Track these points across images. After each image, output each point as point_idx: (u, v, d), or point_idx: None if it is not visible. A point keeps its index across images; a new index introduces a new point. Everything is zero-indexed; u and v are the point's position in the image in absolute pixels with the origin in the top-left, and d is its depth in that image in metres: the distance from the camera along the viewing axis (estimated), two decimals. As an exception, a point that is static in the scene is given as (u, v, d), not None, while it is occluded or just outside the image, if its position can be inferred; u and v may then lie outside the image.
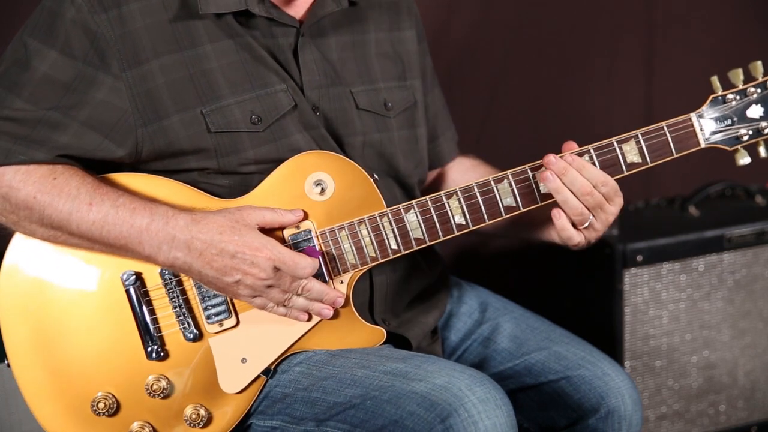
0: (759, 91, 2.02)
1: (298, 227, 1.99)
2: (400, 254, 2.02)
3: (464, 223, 2.02)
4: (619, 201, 2.02)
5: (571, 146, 2.00)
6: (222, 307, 1.99)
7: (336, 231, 2.00)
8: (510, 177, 2.01)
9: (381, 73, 2.20)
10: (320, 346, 2.04)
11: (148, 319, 1.98)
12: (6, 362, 2.03)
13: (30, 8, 1.99)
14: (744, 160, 2.03)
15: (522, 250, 3.35)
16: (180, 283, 2.00)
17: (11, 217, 1.95)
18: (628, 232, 3.09)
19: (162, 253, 1.91)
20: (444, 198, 2.01)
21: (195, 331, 2.00)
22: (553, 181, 1.96)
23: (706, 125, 2.02)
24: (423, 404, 1.87)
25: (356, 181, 2.01)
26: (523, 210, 2.02)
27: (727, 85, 2.02)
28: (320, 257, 1.98)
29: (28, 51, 1.93)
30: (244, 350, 2.00)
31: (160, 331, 2.00)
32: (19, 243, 2.00)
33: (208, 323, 2.00)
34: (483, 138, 3.50)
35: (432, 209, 2.01)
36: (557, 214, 2.00)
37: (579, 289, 3.23)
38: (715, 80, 2.02)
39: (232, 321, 2.00)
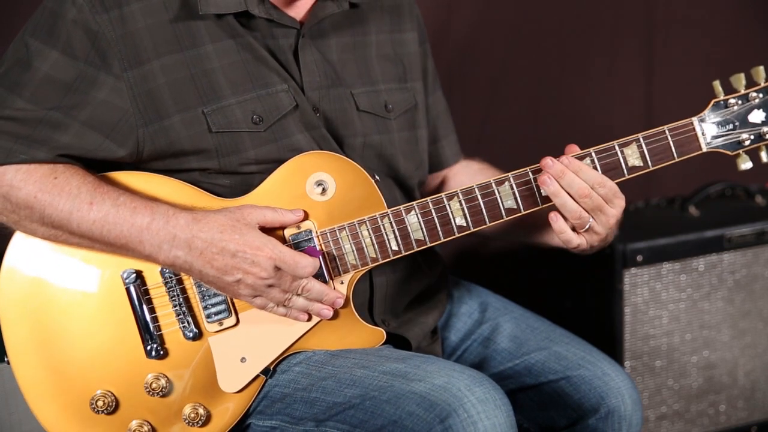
0: (761, 96, 2.01)
1: (298, 227, 1.99)
2: (400, 255, 2.02)
3: (465, 224, 2.01)
4: (619, 203, 2.01)
5: (573, 149, 2.00)
6: (222, 306, 1.99)
7: (337, 231, 2.00)
8: (511, 179, 2.01)
9: (381, 74, 2.20)
10: (320, 347, 2.04)
11: (147, 317, 1.99)
12: (6, 360, 2.03)
13: (30, 8, 2.00)
14: (745, 164, 2.03)
15: (522, 251, 3.35)
16: (180, 281, 2.00)
17: (12, 216, 1.95)
18: (628, 232, 3.08)
19: (162, 252, 1.91)
20: (445, 199, 2.01)
21: (195, 330, 2.00)
22: (551, 185, 1.96)
23: (708, 129, 2.02)
24: (422, 404, 1.87)
25: (357, 182, 2.01)
26: (524, 212, 2.02)
27: (729, 89, 2.02)
28: (320, 257, 1.98)
29: (29, 51, 1.93)
30: (244, 350, 2.00)
31: (160, 330, 2.00)
32: (19, 242, 2.01)
33: (207, 322, 2.00)
34: (483, 138, 3.50)
35: (433, 210, 2.01)
36: (554, 217, 1.99)
37: (579, 289, 3.23)
38: (717, 85, 2.02)
39: (231, 320, 2.00)
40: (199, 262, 1.91)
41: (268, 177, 2.00)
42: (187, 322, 1.99)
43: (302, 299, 1.97)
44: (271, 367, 2.03)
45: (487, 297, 2.38)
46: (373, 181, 2.02)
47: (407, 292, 2.20)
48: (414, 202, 2.01)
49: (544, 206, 2.01)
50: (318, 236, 2.00)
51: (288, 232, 1.99)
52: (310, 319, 2.01)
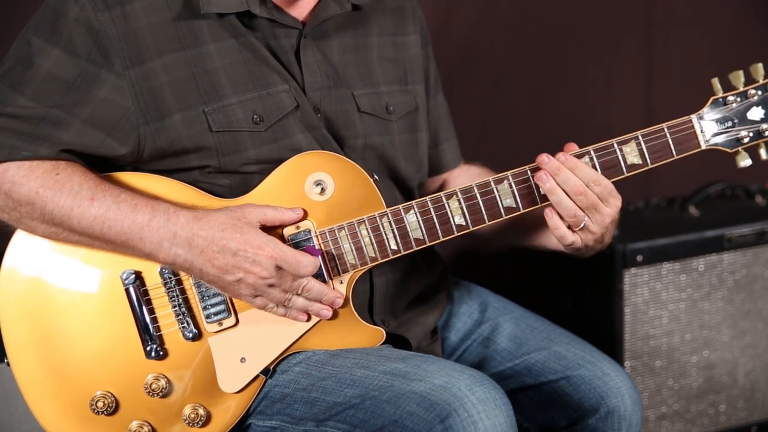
0: (760, 93, 2.01)
1: (297, 227, 1.99)
2: (399, 255, 2.02)
3: (464, 223, 2.01)
4: (615, 202, 2.00)
5: (572, 147, 2.00)
6: (221, 307, 1.99)
7: (336, 231, 2.00)
8: (510, 178, 2.01)
9: (383, 76, 2.20)
10: (319, 346, 2.04)
11: (147, 318, 1.99)
12: (6, 361, 2.03)
13: (30, 8, 2.00)
14: (745, 162, 2.03)
15: (522, 251, 3.34)
16: (180, 282, 2.00)
17: (13, 213, 1.95)
18: (628, 232, 3.09)
19: (163, 250, 1.91)
20: (444, 198, 2.01)
21: (194, 330, 2.00)
22: (548, 181, 1.96)
23: (707, 127, 2.01)
24: (422, 404, 1.87)
25: (356, 182, 2.01)
26: (523, 211, 2.01)
27: (728, 87, 2.02)
28: (320, 256, 1.98)
29: (31, 49, 1.94)
30: (244, 350, 2.00)
31: (160, 330, 2.00)
32: (19, 242, 2.01)
33: (207, 322, 2.00)
34: (483, 138, 3.50)
35: (432, 210, 2.01)
36: (549, 213, 1.99)
37: (579, 289, 3.23)
38: (715, 82, 2.02)
39: (231, 320, 2.00)
40: (199, 261, 1.91)
41: (267, 177, 2.00)
42: (187, 322, 1.99)
43: (302, 299, 1.97)
44: (271, 367, 2.03)
45: (487, 297, 2.38)
46: (371, 180, 2.02)
47: (407, 292, 2.20)
48: (413, 202, 2.01)
49: (543, 205, 2.01)
50: (317, 236, 2.00)
51: (287, 232, 1.99)
52: (309, 319, 2.01)
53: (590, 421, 2.14)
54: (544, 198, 2.00)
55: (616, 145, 2.00)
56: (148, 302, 1.99)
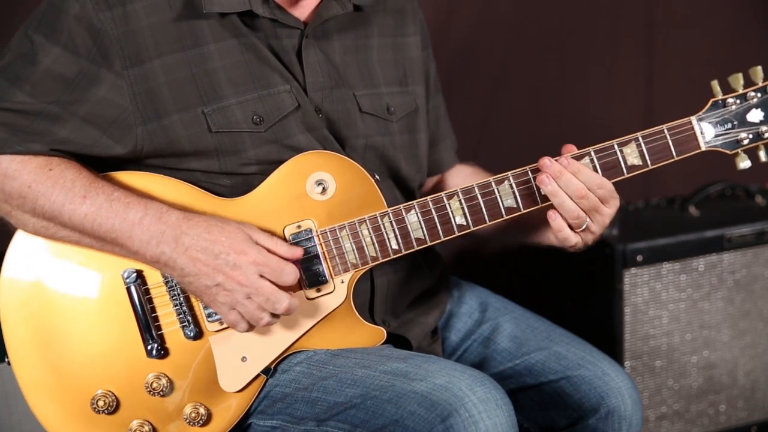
0: (759, 95, 2.02)
1: (299, 226, 1.99)
2: (400, 254, 2.02)
3: (465, 223, 2.02)
4: (615, 203, 2.01)
5: (570, 149, 2.00)
6: (222, 306, 1.99)
7: (337, 230, 2.00)
8: (511, 178, 2.01)
9: (383, 77, 2.20)
10: (320, 346, 2.04)
11: (148, 317, 1.98)
12: (6, 360, 2.03)
13: (30, 8, 2.00)
14: (744, 164, 2.03)
15: (522, 251, 3.35)
16: (181, 281, 2.00)
17: (4, 206, 1.96)
18: (628, 232, 3.09)
19: (150, 248, 1.91)
20: (445, 198, 2.01)
21: (195, 329, 2.00)
22: (550, 184, 1.96)
23: (707, 128, 2.02)
24: (423, 404, 1.87)
25: (357, 181, 2.01)
26: (524, 211, 2.02)
27: (728, 89, 2.03)
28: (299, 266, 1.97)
29: (33, 45, 1.94)
30: (244, 349, 2.00)
31: (161, 329, 2.00)
32: (20, 241, 2.01)
33: (208, 321, 2.00)
34: (483, 138, 3.50)
35: (433, 209, 2.01)
36: (553, 215, 2.00)
37: (579, 289, 3.23)
38: (715, 84, 2.03)
39: (232, 320, 2.00)
40: (182, 260, 1.90)
41: (269, 177, 2.00)
42: (188, 321, 1.99)
43: (274, 320, 1.95)
44: (272, 367, 2.03)
45: (487, 297, 2.38)
46: (372, 180, 2.02)
47: (408, 293, 2.20)
48: (414, 201, 2.01)
49: (543, 205, 2.01)
50: (318, 235, 2.00)
51: (288, 232, 1.99)
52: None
53: (590, 421, 2.14)
54: (545, 198, 2.00)
55: (616, 146, 2.00)
56: (149, 301, 1.99)
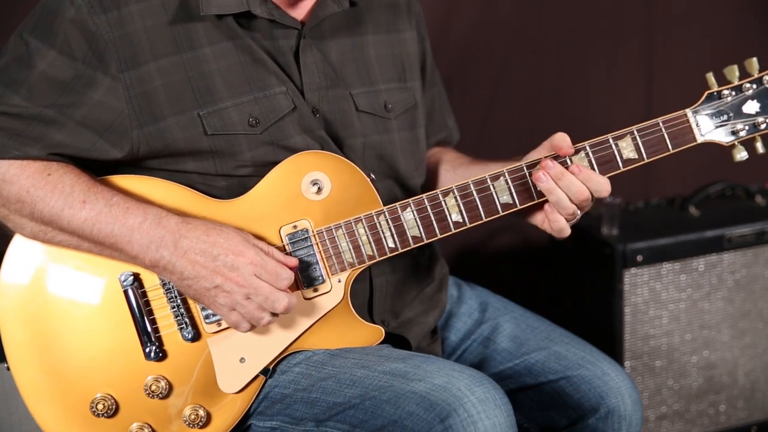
0: (755, 87, 2.01)
1: (295, 226, 1.99)
2: (397, 252, 2.02)
3: (461, 220, 2.02)
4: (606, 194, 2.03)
5: (564, 138, 2.00)
6: (220, 308, 1.99)
7: (333, 230, 2.00)
8: (506, 174, 2.01)
9: (381, 74, 2.19)
10: (318, 346, 2.04)
11: (146, 319, 1.98)
12: (5, 364, 2.03)
13: (30, 8, 2.00)
14: (741, 155, 2.03)
15: (522, 250, 3.35)
16: (178, 283, 2.00)
17: (2, 210, 1.96)
18: (628, 232, 3.09)
19: (149, 253, 1.91)
20: (441, 196, 2.01)
21: (193, 331, 2.00)
22: (547, 182, 1.96)
23: (702, 121, 2.01)
24: (422, 404, 1.87)
25: (353, 180, 2.01)
26: (520, 207, 2.02)
27: (723, 81, 2.02)
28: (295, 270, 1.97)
29: (28, 49, 1.94)
30: (243, 350, 2.00)
31: (159, 332, 2.00)
32: (18, 245, 2.01)
33: (206, 323, 2.00)
34: (483, 138, 3.50)
35: (428, 207, 2.01)
36: (549, 209, 2.00)
37: (579, 289, 3.23)
38: (710, 76, 2.02)
39: (230, 321, 2.00)
40: (181, 263, 1.90)
41: (264, 178, 2.00)
42: (186, 323, 1.99)
43: (274, 319, 1.96)
44: (271, 367, 2.03)
45: (487, 297, 2.38)
46: (368, 179, 2.02)
47: (407, 293, 2.20)
48: (409, 199, 2.01)
49: (539, 200, 2.01)
50: (314, 235, 2.00)
51: (284, 232, 1.99)
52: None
53: (590, 421, 2.14)
54: (541, 194, 2.00)
55: (611, 140, 2.00)
56: (147, 304, 1.99)
